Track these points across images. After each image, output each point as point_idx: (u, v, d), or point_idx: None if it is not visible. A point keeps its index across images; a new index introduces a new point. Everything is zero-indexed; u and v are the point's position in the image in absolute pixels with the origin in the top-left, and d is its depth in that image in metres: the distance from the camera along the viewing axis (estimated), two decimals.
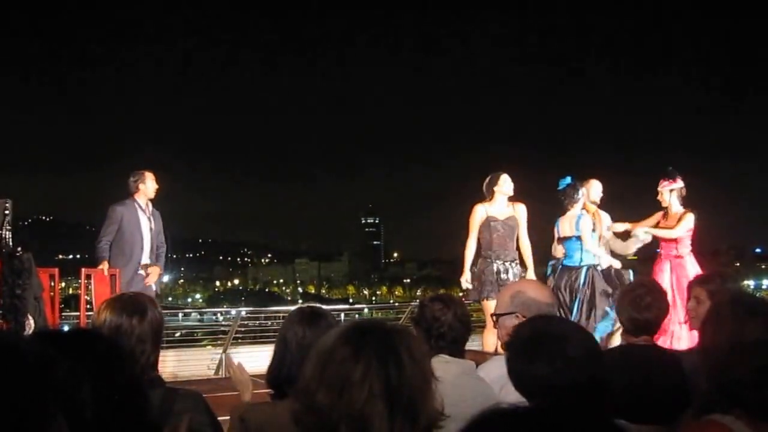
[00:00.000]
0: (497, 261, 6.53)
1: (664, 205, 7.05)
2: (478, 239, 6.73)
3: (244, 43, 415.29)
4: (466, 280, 6.70)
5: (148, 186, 6.71)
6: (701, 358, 1.85)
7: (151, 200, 6.82)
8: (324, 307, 2.69)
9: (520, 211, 6.81)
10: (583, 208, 7.00)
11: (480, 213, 6.70)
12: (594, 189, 7.56)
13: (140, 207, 6.69)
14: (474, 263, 6.72)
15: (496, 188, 6.73)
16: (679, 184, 7.03)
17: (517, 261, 6.67)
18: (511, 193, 6.80)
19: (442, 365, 2.60)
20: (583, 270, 6.64)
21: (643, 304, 3.02)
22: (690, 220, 6.91)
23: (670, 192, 6.98)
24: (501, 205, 6.75)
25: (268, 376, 2.28)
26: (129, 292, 2.36)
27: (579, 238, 6.66)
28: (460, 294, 6.51)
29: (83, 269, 6.72)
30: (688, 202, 7.08)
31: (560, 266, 6.82)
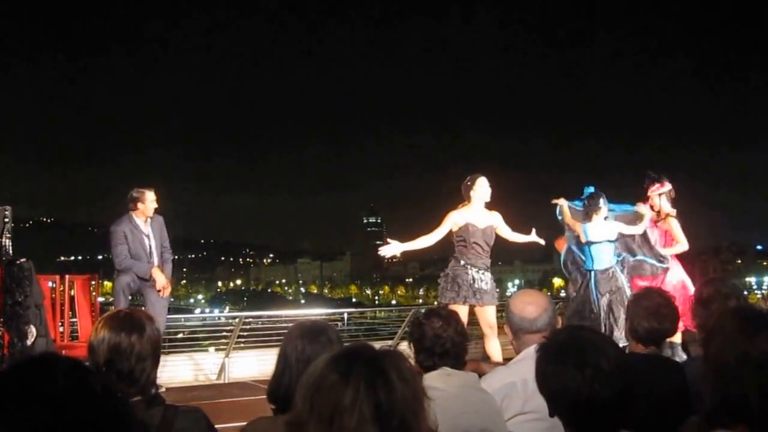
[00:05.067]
0: (473, 269, 6.23)
1: (655, 209, 7.22)
2: (453, 243, 6.40)
3: (229, 45, 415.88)
4: (392, 247, 6.41)
5: (147, 206, 6.68)
6: (706, 371, 1.83)
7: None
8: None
9: (498, 218, 6.48)
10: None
11: (455, 218, 6.34)
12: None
13: (139, 225, 6.66)
14: (446, 265, 6.44)
15: (472, 193, 6.36)
16: (667, 187, 7.25)
17: (488, 270, 6.37)
18: (488, 199, 6.42)
19: (444, 378, 2.61)
20: (616, 271, 6.73)
21: (662, 313, 3.02)
22: (676, 225, 7.20)
23: (660, 196, 7.21)
24: (479, 211, 6.39)
25: (269, 391, 2.27)
26: (126, 308, 2.34)
27: (610, 241, 6.73)
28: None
29: (67, 276, 6.76)
30: (676, 203, 7.30)
31: (593, 271, 6.73)
